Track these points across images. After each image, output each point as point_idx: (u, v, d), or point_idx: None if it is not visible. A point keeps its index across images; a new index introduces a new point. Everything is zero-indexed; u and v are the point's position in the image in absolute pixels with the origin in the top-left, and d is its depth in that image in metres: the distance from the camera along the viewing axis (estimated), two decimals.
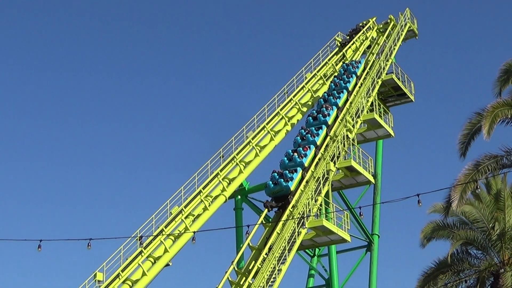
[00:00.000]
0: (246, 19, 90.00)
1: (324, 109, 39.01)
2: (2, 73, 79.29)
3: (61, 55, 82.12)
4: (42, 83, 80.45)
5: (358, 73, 41.99)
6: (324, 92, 41.21)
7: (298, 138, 37.93)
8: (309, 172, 36.04)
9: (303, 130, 38.22)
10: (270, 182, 35.70)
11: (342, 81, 41.21)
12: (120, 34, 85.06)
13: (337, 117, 38.98)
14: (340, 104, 39.76)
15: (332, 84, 41.46)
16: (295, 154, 36.59)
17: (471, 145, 29.74)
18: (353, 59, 44.82)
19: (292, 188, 35.17)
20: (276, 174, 35.92)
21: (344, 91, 40.55)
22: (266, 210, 35.14)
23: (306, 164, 36.28)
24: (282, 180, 35.32)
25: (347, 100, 40.27)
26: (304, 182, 35.61)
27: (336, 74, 42.96)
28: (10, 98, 79.25)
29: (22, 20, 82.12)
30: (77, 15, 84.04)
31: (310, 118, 39.08)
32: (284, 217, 34.05)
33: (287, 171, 35.75)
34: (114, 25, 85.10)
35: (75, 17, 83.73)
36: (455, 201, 28.14)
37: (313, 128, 38.07)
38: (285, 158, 36.85)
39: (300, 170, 35.94)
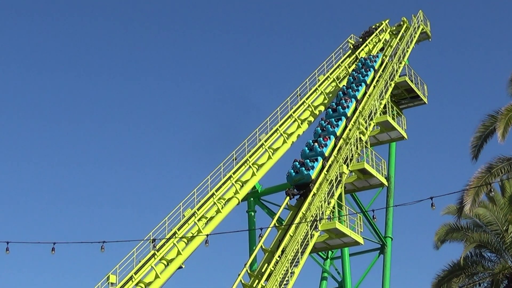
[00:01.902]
0: (258, 21, 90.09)
1: (344, 101, 39.84)
2: (10, 77, 79.62)
3: (70, 51, 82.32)
4: (54, 83, 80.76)
5: (376, 67, 42.75)
6: (343, 85, 41.88)
7: (318, 129, 38.74)
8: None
9: (323, 121, 39.05)
10: (292, 171, 36.44)
11: (360, 75, 42.02)
12: (133, 30, 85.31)
13: (356, 109, 39.73)
14: (358, 97, 40.57)
15: (351, 77, 42.29)
16: (316, 144, 37.38)
17: (483, 147, 29.60)
18: (371, 53, 45.07)
19: (313, 177, 35.90)
20: (297, 163, 36.67)
21: (363, 84, 41.35)
22: (288, 198, 35.73)
23: (326, 154, 37.03)
24: (304, 168, 36.04)
25: (365, 93, 40.98)
26: (324, 171, 36.26)
27: (353, 70, 43.43)
28: (17, 100, 79.54)
29: (21, 20, 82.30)
30: (81, 10, 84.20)
31: (330, 110, 39.91)
32: (297, 220, 34.08)
33: (308, 160, 36.54)
34: (125, 12, 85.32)
35: (84, 13, 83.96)
36: (467, 205, 27.99)
37: (333, 119, 38.85)
38: (306, 148, 37.61)
39: (320, 160, 36.71)
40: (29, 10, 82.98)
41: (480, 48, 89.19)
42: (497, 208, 33.35)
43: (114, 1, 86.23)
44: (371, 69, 42.38)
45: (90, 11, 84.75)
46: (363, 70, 42.42)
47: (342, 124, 38.71)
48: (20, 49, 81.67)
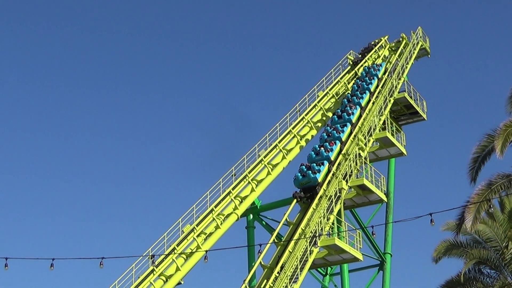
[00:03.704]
0: (257, 37, 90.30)
1: (348, 108, 40.70)
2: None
3: (66, 63, 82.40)
4: (53, 100, 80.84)
5: (379, 76, 43.60)
6: (348, 93, 42.67)
7: (324, 134, 39.57)
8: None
9: (329, 127, 39.89)
10: (299, 174, 37.09)
11: (364, 83, 42.87)
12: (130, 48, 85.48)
13: (360, 116, 40.54)
14: (363, 104, 41.33)
15: (355, 85, 43.13)
16: (322, 148, 38.14)
17: (481, 169, 29.60)
18: (375, 62, 45.83)
19: (319, 180, 36.50)
20: (304, 166, 37.40)
21: (367, 92, 42.13)
22: (295, 200, 36.29)
23: (332, 158, 37.76)
24: (310, 172, 36.68)
25: (369, 100, 41.75)
26: (330, 175, 36.96)
27: (357, 78, 44.16)
28: (17, 115, 79.61)
29: (19, 22, 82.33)
30: (82, 15, 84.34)
31: (335, 116, 40.75)
32: (296, 236, 34.03)
33: (314, 164, 37.25)
34: (121, 28, 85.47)
35: (81, 19, 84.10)
36: (469, 221, 27.96)
37: (338, 125, 39.62)
38: (312, 153, 38.36)
39: (326, 163, 37.40)
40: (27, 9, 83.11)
41: (479, 65, 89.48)
42: (496, 224, 33.35)
43: (113, 17, 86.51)
44: (375, 77, 43.27)
45: (87, 34, 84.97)
46: (367, 78, 43.32)
47: (347, 130, 39.47)
48: (24, 60, 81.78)
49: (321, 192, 36.04)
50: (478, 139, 29.69)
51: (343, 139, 38.95)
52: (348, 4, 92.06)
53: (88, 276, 68.78)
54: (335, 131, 39.17)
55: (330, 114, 41.98)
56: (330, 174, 37.03)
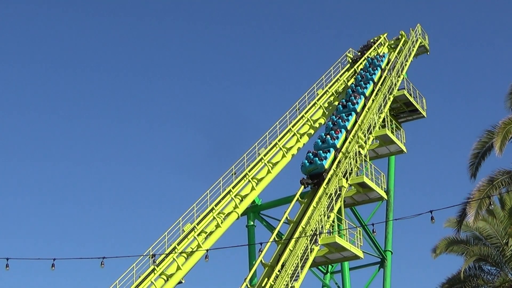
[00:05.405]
0: (257, 35, 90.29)
1: (353, 97, 41.55)
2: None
3: (64, 57, 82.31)
4: (43, 98, 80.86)
5: (383, 66, 44.41)
6: (352, 84, 43.56)
7: (330, 123, 40.48)
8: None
9: (334, 116, 40.85)
10: (306, 161, 37.86)
11: (368, 73, 43.70)
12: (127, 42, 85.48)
13: (364, 105, 41.32)
14: (367, 94, 42.12)
15: (359, 76, 43.93)
16: (328, 136, 39.00)
17: (481, 165, 29.61)
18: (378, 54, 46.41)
19: (326, 166, 37.32)
20: (311, 154, 38.18)
21: (370, 82, 42.91)
22: (302, 186, 37.14)
23: (338, 145, 38.56)
24: (317, 159, 37.48)
25: (373, 90, 42.43)
26: (336, 162, 37.76)
27: (361, 69, 44.90)
28: (13, 103, 79.62)
29: (21, 20, 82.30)
30: (81, 13, 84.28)
31: (340, 106, 41.64)
32: (297, 234, 34.09)
33: (321, 151, 38.08)
34: (119, 23, 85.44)
35: (79, 15, 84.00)
36: (471, 217, 27.97)
37: (344, 115, 40.48)
38: (319, 140, 39.28)
39: (332, 151, 38.23)
40: (28, 8, 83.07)
41: (478, 62, 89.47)
42: (497, 221, 33.32)
43: (115, 14, 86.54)
44: (378, 68, 44.02)
45: (89, 30, 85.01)
46: (370, 69, 44.10)
47: (352, 119, 40.22)
48: (22, 50, 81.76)
49: (325, 183, 36.50)
50: (477, 136, 29.71)
51: (348, 127, 39.66)
52: (347, 2, 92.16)
53: (89, 276, 68.87)
54: (340, 120, 39.89)
55: (330, 111, 42.15)
56: (336, 161, 37.65)
